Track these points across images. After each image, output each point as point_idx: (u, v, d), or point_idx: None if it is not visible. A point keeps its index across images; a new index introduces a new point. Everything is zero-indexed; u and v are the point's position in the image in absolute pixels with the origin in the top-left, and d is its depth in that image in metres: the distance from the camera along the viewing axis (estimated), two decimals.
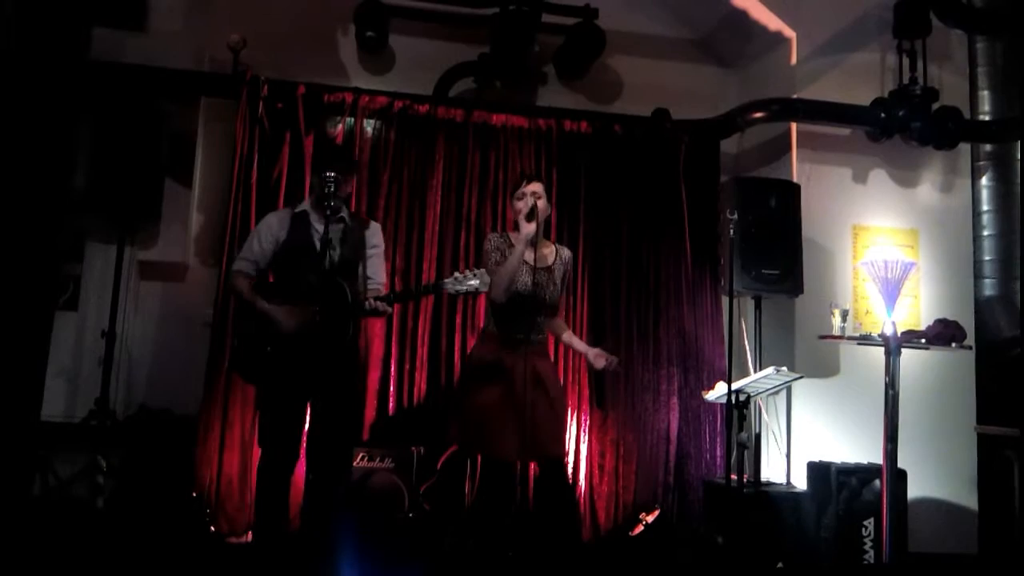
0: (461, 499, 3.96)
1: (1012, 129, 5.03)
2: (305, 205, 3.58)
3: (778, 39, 5.15)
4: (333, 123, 4.72)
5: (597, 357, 3.60)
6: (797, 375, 4.18)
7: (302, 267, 3.38)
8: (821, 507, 4.27)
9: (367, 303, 3.31)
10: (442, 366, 4.65)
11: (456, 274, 3.28)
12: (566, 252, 3.71)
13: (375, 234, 3.64)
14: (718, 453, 4.79)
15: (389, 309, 3.40)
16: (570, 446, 4.56)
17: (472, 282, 3.22)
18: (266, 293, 3.47)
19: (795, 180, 4.89)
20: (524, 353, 3.42)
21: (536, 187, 3.53)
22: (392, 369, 4.57)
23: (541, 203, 3.49)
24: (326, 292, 3.24)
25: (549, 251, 3.62)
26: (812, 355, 4.75)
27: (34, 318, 2.67)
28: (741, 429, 3.94)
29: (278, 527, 3.37)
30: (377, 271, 3.59)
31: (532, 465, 4.34)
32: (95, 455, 4.18)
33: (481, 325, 4.63)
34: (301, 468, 3.41)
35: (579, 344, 3.81)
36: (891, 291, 4.22)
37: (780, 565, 4.15)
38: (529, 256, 3.41)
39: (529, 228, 3.40)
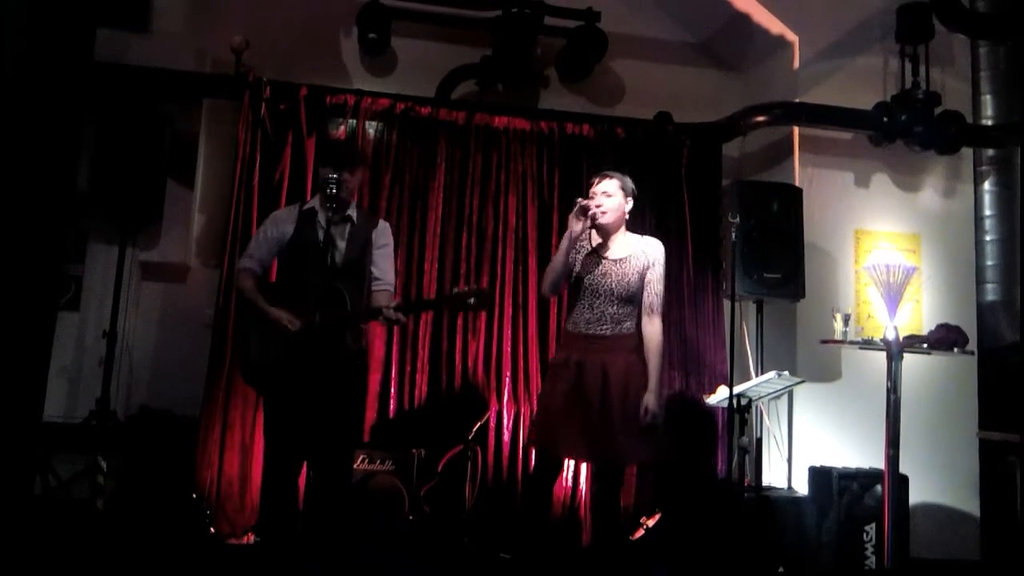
0: (462, 502, 3.96)
1: (1015, 134, 5.02)
2: (313, 202, 3.50)
3: (781, 43, 5.15)
4: (335, 125, 4.73)
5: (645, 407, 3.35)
6: (799, 379, 4.18)
7: (308, 267, 3.31)
8: (822, 512, 4.26)
9: (384, 311, 3.26)
10: (443, 369, 4.64)
11: (455, 290, 3.42)
12: (651, 244, 3.49)
13: (383, 233, 3.55)
14: (720, 457, 4.78)
15: (403, 319, 3.36)
16: None
17: (470, 300, 3.27)
18: (269, 294, 3.41)
19: (797, 184, 4.88)
20: (595, 349, 3.35)
21: (606, 185, 3.46)
22: (393, 371, 4.56)
23: (610, 202, 3.42)
24: (325, 298, 3.20)
25: (625, 241, 3.49)
26: (814, 359, 4.74)
27: (37, 318, 2.67)
28: (742, 433, 3.93)
29: (284, 530, 3.35)
30: (386, 271, 3.51)
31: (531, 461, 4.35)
32: (95, 456, 4.18)
33: (479, 328, 4.66)
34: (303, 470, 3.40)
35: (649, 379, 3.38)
36: (893, 296, 4.21)
37: (781, 570, 4.14)
38: (602, 250, 3.44)
39: (574, 226, 3.35)
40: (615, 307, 3.39)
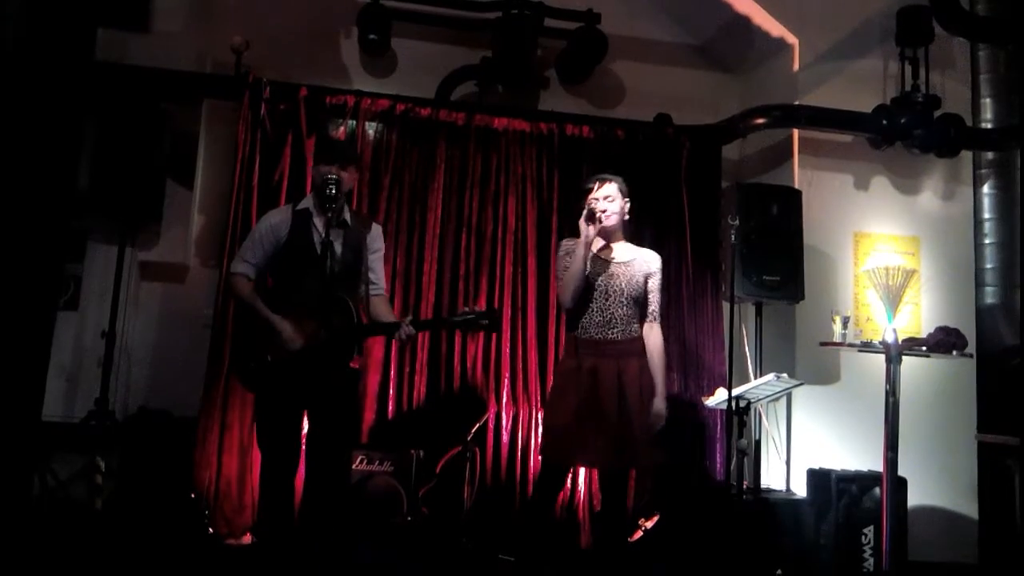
0: (460, 503, 3.95)
1: (1014, 137, 5.03)
2: (307, 203, 3.42)
3: (780, 45, 5.15)
4: (335, 125, 4.72)
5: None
6: (797, 382, 4.18)
7: (305, 272, 3.25)
8: (821, 514, 4.26)
9: (400, 331, 3.25)
10: (442, 370, 4.64)
11: (466, 310, 3.40)
12: (651, 253, 3.57)
13: (376, 237, 3.52)
14: (718, 459, 4.78)
15: (415, 334, 3.33)
16: None
17: (483, 322, 3.30)
18: (268, 299, 3.33)
19: (797, 186, 4.89)
20: (609, 353, 3.36)
21: (607, 189, 3.47)
22: (392, 372, 4.56)
23: (612, 206, 3.44)
24: (331, 309, 3.18)
25: (627, 246, 3.56)
26: (813, 362, 4.74)
27: (37, 318, 2.67)
28: (741, 435, 3.93)
29: (282, 531, 3.34)
30: (380, 275, 3.51)
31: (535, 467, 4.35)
32: (94, 456, 4.17)
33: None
34: (301, 471, 3.39)
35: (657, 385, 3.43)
36: (892, 298, 4.21)
37: (779, 572, 4.14)
38: (606, 253, 3.47)
39: (587, 231, 3.35)
40: (624, 309, 3.42)
